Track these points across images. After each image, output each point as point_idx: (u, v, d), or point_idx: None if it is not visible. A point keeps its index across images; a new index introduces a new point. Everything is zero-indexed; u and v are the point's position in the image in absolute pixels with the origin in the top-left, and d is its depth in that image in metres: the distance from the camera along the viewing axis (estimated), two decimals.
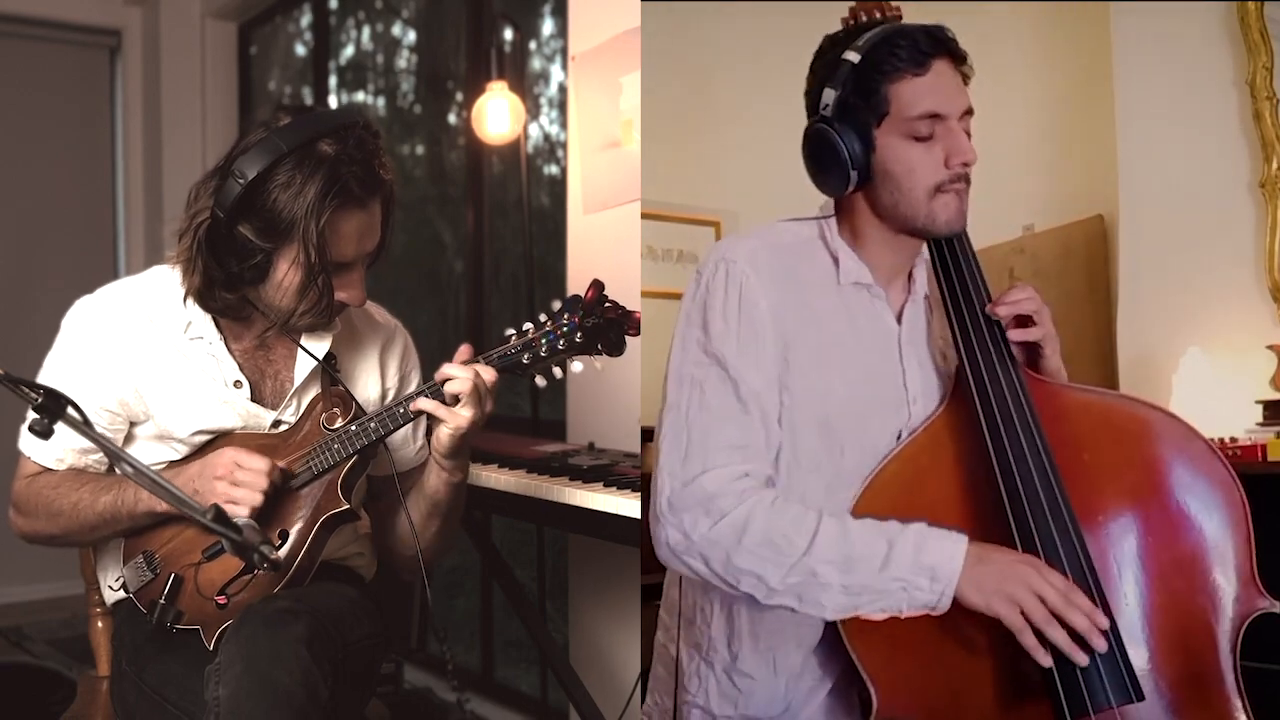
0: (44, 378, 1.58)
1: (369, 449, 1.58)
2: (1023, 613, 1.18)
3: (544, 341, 1.51)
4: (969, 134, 1.33)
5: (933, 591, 1.20)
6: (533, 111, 3.43)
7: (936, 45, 1.31)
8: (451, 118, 4.00)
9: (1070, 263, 3.06)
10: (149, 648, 1.58)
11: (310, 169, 1.47)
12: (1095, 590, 1.23)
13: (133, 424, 1.62)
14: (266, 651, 1.38)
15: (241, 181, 1.46)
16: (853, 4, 1.44)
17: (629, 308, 1.53)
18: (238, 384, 1.61)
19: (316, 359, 1.62)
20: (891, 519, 1.25)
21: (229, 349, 1.61)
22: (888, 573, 1.20)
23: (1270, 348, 2.36)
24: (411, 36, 4.32)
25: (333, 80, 4.44)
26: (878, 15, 1.41)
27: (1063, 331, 1.40)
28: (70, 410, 1.21)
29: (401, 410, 1.56)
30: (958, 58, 1.33)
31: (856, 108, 1.32)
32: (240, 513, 1.47)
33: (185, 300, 1.57)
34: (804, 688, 1.38)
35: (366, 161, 1.50)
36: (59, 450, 1.59)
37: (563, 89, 3.25)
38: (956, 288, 1.38)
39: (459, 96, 3.88)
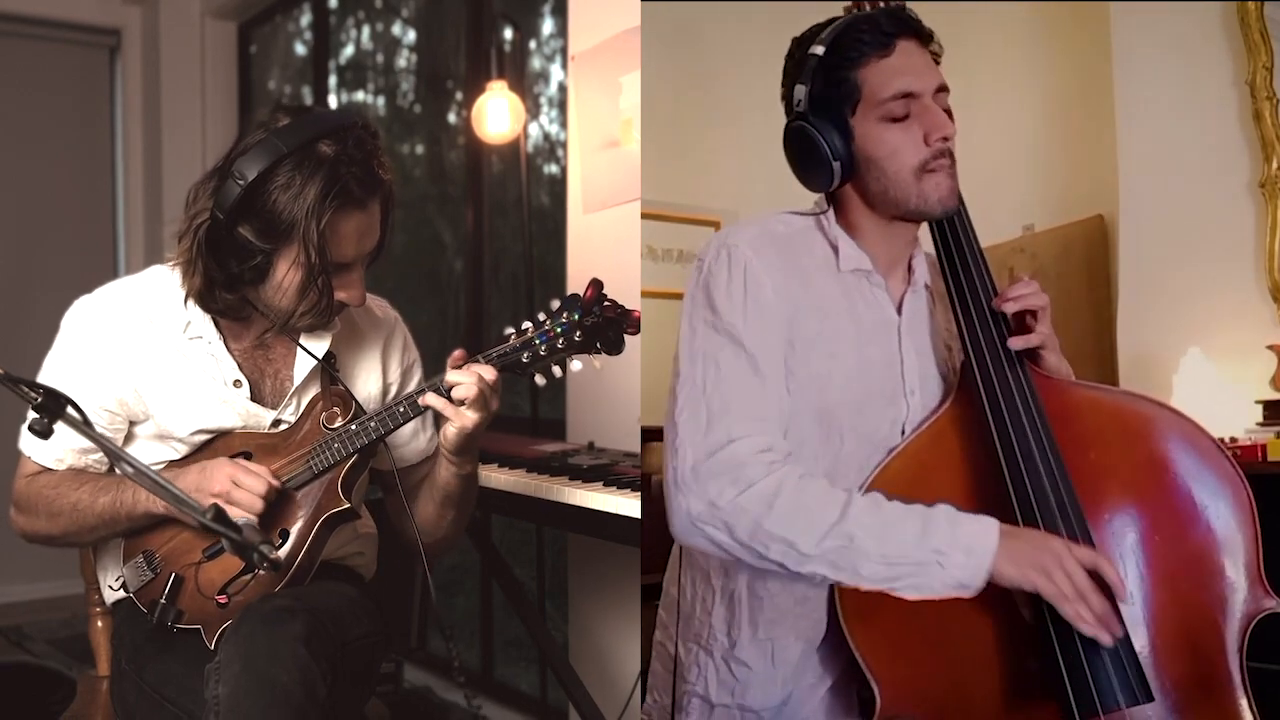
0: (43, 377, 1.58)
1: (369, 448, 1.58)
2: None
3: (543, 340, 1.52)
4: (949, 112, 1.33)
5: (967, 566, 1.18)
6: (532, 111, 3.43)
7: (900, 25, 1.32)
8: (451, 117, 4.00)
9: (1070, 263, 3.06)
10: (149, 647, 1.58)
11: (310, 170, 1.47)
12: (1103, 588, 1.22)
13: (132, 423, 1.62)
14: (265, 650, 1.38)
15: (241, 183, 1.46)
16: (848, 2, 1.44)
17: (628, 307, 1.53)
18: (237, 383, 1.61)
19: (316, 358, 1.63)
20: None
21: (228, 348, 1.61)
22: (926, 543, 1.19)
23: (1270, 348, 2.36)
24: (411, 36, 4.32)
25: (332, 80, 4.44)
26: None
27: (1063, 331, 1.40)
28: (70, 410, 1.21)
29: (402, 409, 1.56)
30: (923, 36, 1.33)
31: (829, 99, 1.32)
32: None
33: (186, 301, 1.57)
34: (805, 684, 1.38)
35: (365, 162, 1.50)
36: (59, 450, 1.59)
37: (562, 88, 3.25)
38: (963, 281, 1.38)
39: (459, 96, 3.88)
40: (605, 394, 2.45)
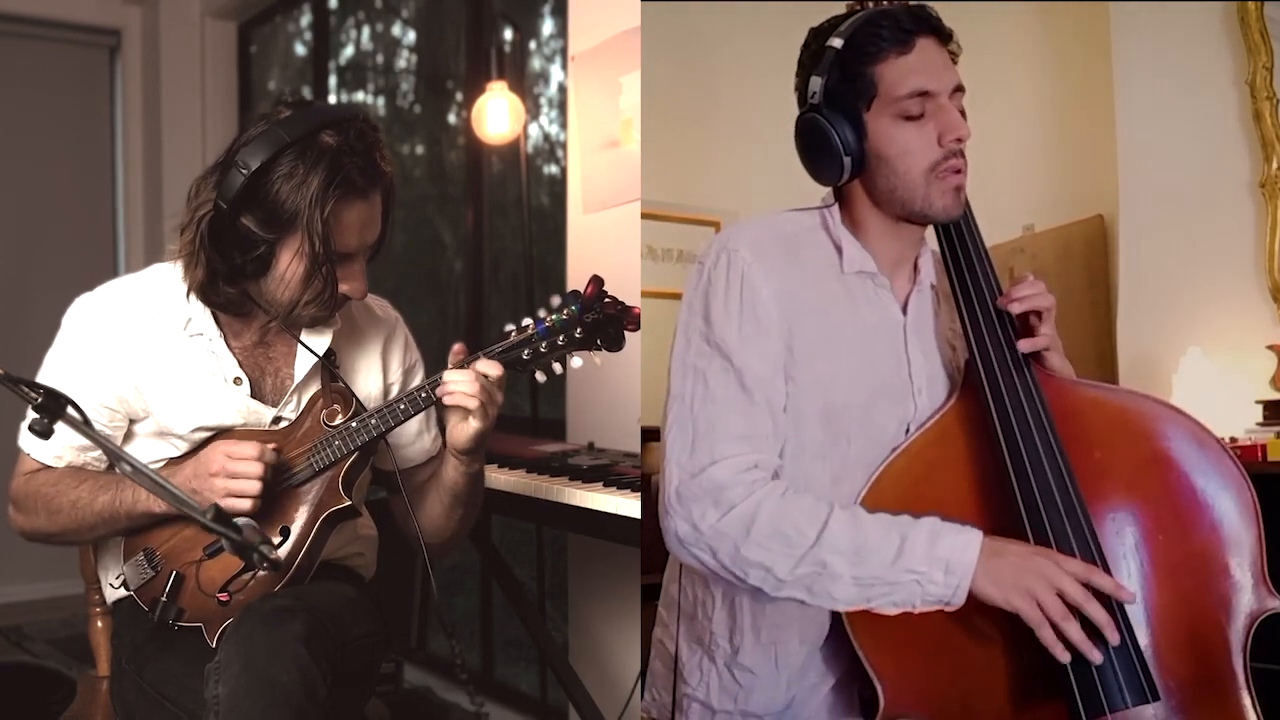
0: (44, 375, 1.58)
1: (370, 445, 1.58)
2: (1040, 607, 1.17)
3: (543, 336, 1.51)
4: (963, 112, 1.32)
5: (947, 585, 1.19)
6: (532, 111, 3.43)
7: (919, 23, 1.31)
8: (451, 117, 4.00)
9: (1070, 263, 3.06)
10: (149, 646, 1.58)
11: (313, 159, 1.47)
12: None
13: (132, 421, 1.61)
14: (264, 649, 1.38)
15: (245, 172, 1.46)
16: (849, 1, 1.44)
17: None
18: (237, 380, 1.61)
19: (317, 355, 1.62)
20: (901, 514, 1.24)
21: (229, 345, 1.61)
22: (901, 564, 1.19)
23: (1270, 348, 2.36)
24: (411, 36, 4.32)
25: (332, 80, 4.44)
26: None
27: (1062, 331, 1.39)
28: (70, 410, 1.21)
29: (403, 406, 1.56)
30: (942, 35, 1.33)
31: (844, 93, 1.31)
32: (243, 505, 1.48)
33: (187, 296, 1.57)
34: (807, 684, 1.38)
35: (367, 153, 1.51)
36: (58, 448, 1.59)
37: (562, 89, 3.25)
38: (967, 280, 1.37)
39: (459, 96, 3.88)
40: (605, 394, 2.45)
